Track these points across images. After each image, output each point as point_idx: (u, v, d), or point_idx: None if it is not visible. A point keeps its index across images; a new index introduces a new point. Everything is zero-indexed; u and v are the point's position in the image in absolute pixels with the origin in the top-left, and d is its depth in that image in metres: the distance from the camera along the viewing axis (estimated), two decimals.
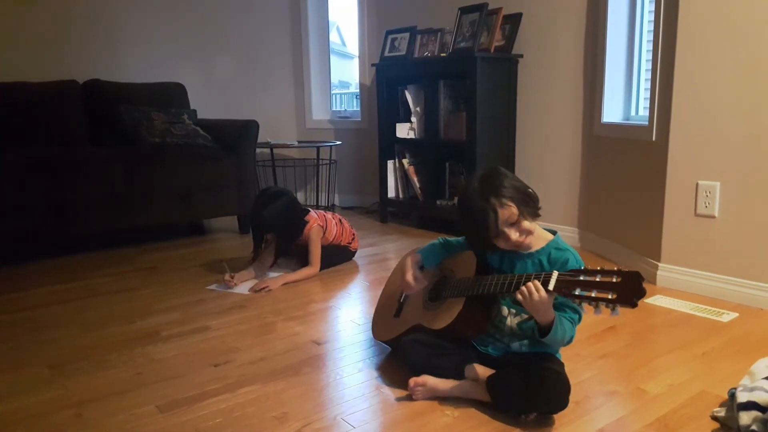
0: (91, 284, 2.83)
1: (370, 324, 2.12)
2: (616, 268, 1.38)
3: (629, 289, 1.34)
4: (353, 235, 3.19)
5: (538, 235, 1.65)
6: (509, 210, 1.55)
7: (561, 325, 1.53)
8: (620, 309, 1.34)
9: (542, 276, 1.48)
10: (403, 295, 1.95)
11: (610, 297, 1.35)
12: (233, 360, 1.97)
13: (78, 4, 3.93)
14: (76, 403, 1.70)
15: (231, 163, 3.74)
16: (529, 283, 1.47)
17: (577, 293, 1.40)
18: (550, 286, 1.45)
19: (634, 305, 1.32)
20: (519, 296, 1.49)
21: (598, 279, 1.39)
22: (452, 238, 1.87)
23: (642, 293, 1.33)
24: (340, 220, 3.14)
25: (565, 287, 1.43)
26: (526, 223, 1.58)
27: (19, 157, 3.09)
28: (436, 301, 1.81)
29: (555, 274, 1.45)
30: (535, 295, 1.45)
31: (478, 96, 3.42)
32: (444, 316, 1.72)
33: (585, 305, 1.40)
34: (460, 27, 3.58)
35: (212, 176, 3.67)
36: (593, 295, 1.37)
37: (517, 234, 1.57)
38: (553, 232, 1.68)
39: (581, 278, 1.41)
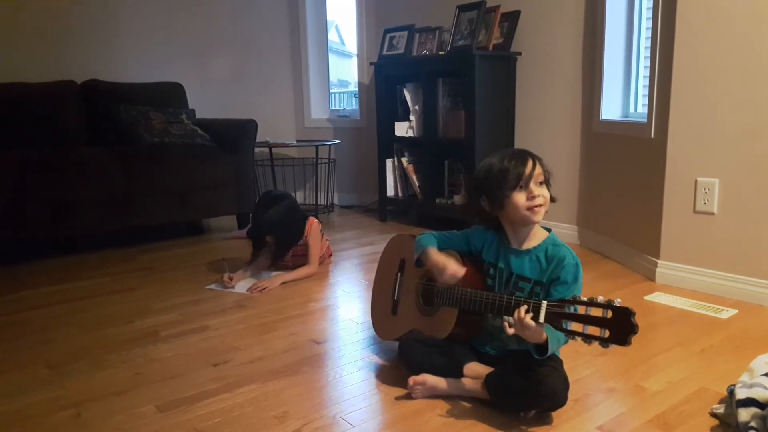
0: (90, 284, 2.82)
1: (370, 322, 2.11)
2: (607, 301, 1.34)
3: (621, 327, 1.32)
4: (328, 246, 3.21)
5: (535, 233, 1.65)
6: (542, 168, 1.58)
7: (555, 338, 1.49)
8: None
9: (531, 305, 1.45)
10: (397, 293, 1.93)
11: (601, 336, 1.34)
12: (232, 359, 1.97)
13: (76, 4, 3.93)
14: (75, 403, 1.69)
15: (229, 162, 3.74)
16: (519, 316, 1.43)
17: (569, 328, 1.38)
18: (541, 319, 1.42)
19: (627, 344, 1.31)
20: (508, 328, 1.46)
21: (589, 313, 1.36)
22: (437, 233, 1.82)
23: (634, 331, 1.30)
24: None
25: (555, 320, 1.41)
26: (547, 192, 1.59)
27: (17, 157, 3.09)
28: (430, 306, 1.79)
29: (544, 305, 1.42)
30: (524, 326, 1.43)
31: (476, 94, 3.42)
32: (440, 325, 1.72)
33: (578, 338, 1.37)
34: (459, 25, 3.58)
35: (211, 176, 3.67)
36: (585, 332, 1.35)
37: (540, 194, 1.56)
38: (548, 230, 1.68)
39: (571, 310, 1.39)
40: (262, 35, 4.76)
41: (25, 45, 3.78)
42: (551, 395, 1.52)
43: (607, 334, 1.32)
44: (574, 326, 1.37)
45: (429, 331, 1.75)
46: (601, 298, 1.35)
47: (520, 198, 1.57)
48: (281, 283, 2.76)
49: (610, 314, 1.33)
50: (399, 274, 1.95)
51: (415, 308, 1.84)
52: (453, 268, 1.66)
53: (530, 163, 1.57)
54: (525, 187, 1.56)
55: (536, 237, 1.65)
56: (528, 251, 1.64)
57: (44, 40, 3.84)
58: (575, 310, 1.38)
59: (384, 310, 1.99)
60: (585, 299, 1.37)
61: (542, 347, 1.49)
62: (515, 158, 1.58)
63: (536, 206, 1.56)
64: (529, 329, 1.43)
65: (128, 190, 3.36)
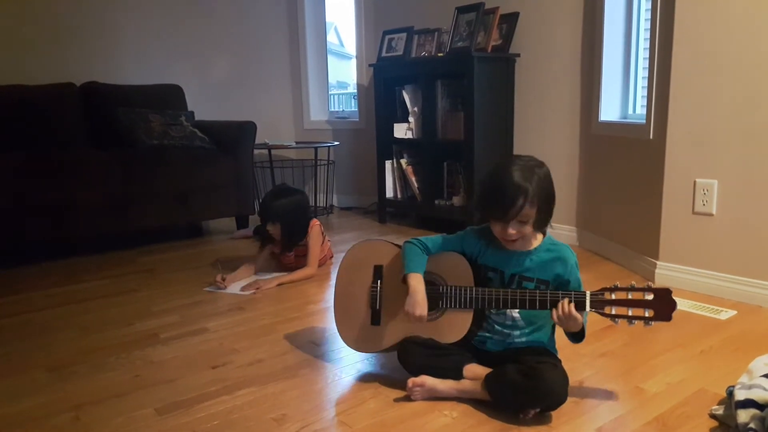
0: (90, 287, 2.82)
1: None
2: (646, 285, 1.51)
3: (664, 305, 1.49)
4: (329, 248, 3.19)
5: (529, 236, 1.67)
6: (529, 211, 1.57)
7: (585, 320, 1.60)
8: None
9: (572, 295, 1.55)
10: (379, 301, 1.84)
11: (646, 315, 1.50)
12: (231, 362, 1.97)
13: (75, 7, 3.92)
14: (74, 406, 1.69)
15: (229, 164, 3.74)
16: (566, 310, 1.53)
17: (613, 312, 1.52)
18: (587, 308, 1.54)
19: (670, 319, 1.49)
20: (555, 318, 1.55)
21: (630, 297, 1.51)
22: (425, 238, 1.79)
23: (675, 307, 1.48)
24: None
25: (599, 307, 1.53)
26: (528, 228, 1.60)
27: (16, 160, 3.09)
28: (431, 311, 1.74)
29: (588, 294, 1.54)
30: (571, 318, 1.54)
31: (475, 95, 3.42)
32: (451, 330, 1.71)
33: (621, 321, 1.53)
34: (457, 27, 3.58)
35: (210, 178, 3.67)
36: (629, 313, 1.51)
37: (515, 231, 1.59)
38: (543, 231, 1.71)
39: (613, 297, 1.52)
40: (261, 37, 4.76)
41: (24, 47, 3.78)
42: (551, 393, 1.53)
43: (651, 313, 1.50)
44: (618, 310, 1.52)
45: (435, 336, 1.73)
46: (633, 283, 1.53)
47: (496, 227, 1.63)
48: (278, 284, 2.76)
49: (651, 296, 1.50)
50: (378, 282, 1.85)
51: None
52: (420, 312, 1.67)
53: (516, 206, 1.54)
54: (502, 221, 1.60)
55: (533, 240, 1.68)
56: (528, 252, 1.66)
57: (43, 42, 3.83)
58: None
59: (361, 322, 1.87)
60: (624, 285, 1.53)
61: (579, 333, 1.60)
62: (504, 196, 1.56)
63: (508, 240, 1.63)
64: (575, 320, 1.54)
65: (127, 193, 3.36)
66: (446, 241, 1.79)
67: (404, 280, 1.74)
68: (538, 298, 1.58)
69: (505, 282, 1.68)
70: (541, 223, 1.62)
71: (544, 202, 1.58)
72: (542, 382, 1.51)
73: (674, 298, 1.49)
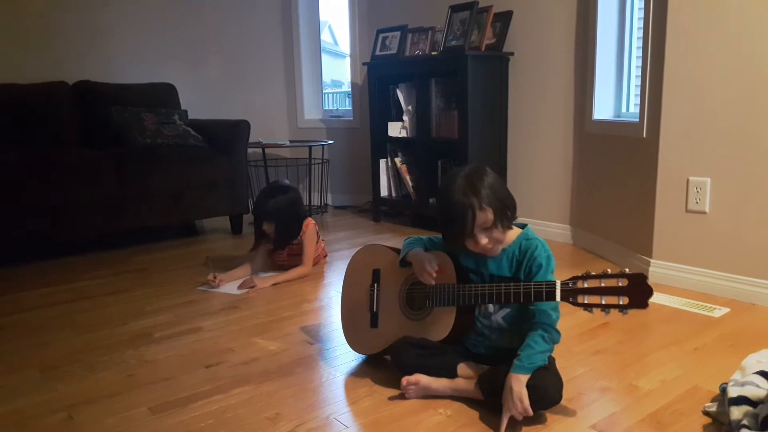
0: (83, 286, 2.81)
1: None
2: (618, 271, 1.43)
3: (638, 291, 1.40)
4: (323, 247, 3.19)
5: (509, 235, 1.65)
6: (485, 215, 1.55)
7: (537, 355, 1.54)
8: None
9: (543, 286, 1.51)
10: (376, 304, 1.87)
11: (621, 303, 1.42)
12: (226, 361, 1.96)
13: (68, 5, 3.90)
14: (67, 405, 1.69)
15: (223, 163, 3.73)
16: (516, 404, 1.47)
17: (585, 301, 1.45)
18: (557, 298, 1.48)
19: (646, 306, 1.40)
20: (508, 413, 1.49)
21: (602, 284, 1.44)
22: (424, 237, 1.83)
23: (651, 293, 1.39)
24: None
25: (571, 296, 1.47)
26: (498, 233, 1.58)
27: (9, 159, 3.07)
28: (420, 311, 1.77)
29: (558, 284, 1.48)
30: (519, 406, 1.47)
31: (469, 94, 3.42)
32: (437, 327, 1.71)
33: (595, 310, 1.45)
34: (451, 25, 3.58)
35: (204, 177, 3.66)
36: (603, 302, 1.43)
37: (486, 240, 1.58)
38: (523, 225, 1.70)
39: (586, 285, 1.46)
40: (255, 35, 4.75)
41: (16, 45, 3.76)
42: (544, 397, 1.52)
43: (626, 300, 1.42)
44: (591, 299, 1.45)
45: (424, 335, 1.73)
46: (609, 270, 1.45)
47: (470, 243, 1.60)
48: (273, 283, 2.76)
49: (625, 282, 1.42)
50: (375, 285, 1.89)
51: (402, 316, 1.81)
52: (429, 267, 1.68)
53: (468, 222, 1.54)
54: (470, 237, 1.58)
55: (510, 237, 1.66)
56: (504, 251, 1.66)
57: (35, 40, 3.81)
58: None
59: (361, 324, 1.91)
60: (597, 273, 1.46)
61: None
62: (453, 221, 1.56)
63: (487, 251, 1.61)
64: (522, 405, 1.48)
65: (121, 192, 3.34)
66: (438, 240, 1.80)
67: (404, 262, 1.79)
68: (512, 290, 1.56)
69: (485, 283, 1.68)
70: (504, 219, 1.58)
71: (496, 201, 1.56)
72: (535, 387, 1.50)
73: (649, 283, 1.41)
